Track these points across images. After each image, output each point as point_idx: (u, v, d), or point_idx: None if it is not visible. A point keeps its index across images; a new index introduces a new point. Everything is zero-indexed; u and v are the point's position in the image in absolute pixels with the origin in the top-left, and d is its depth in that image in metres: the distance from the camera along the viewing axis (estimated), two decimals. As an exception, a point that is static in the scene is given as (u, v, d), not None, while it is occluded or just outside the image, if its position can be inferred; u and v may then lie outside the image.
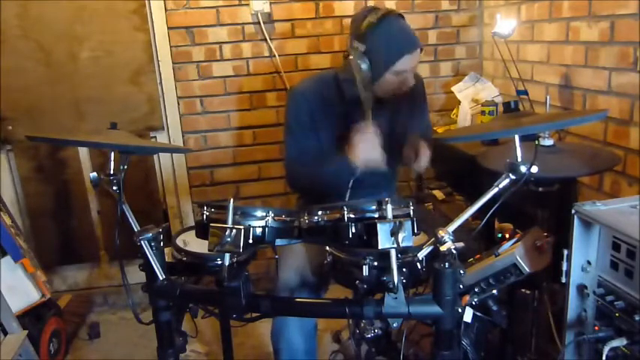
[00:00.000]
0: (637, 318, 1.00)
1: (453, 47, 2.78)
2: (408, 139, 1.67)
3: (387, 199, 1.02)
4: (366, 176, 1.75)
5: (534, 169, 1.04)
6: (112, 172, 1.24)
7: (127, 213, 1.25)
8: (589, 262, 1.12)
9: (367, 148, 1.52)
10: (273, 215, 1.11)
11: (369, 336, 1.23)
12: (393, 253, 1.00)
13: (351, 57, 1.57)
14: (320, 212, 1.09)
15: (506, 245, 1.28)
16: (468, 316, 1.25)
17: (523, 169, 1.04)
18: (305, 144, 1.72)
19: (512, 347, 1.53)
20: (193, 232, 1.33)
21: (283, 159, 1.80)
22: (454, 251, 1.00)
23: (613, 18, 1.73)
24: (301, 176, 1.73)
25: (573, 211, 1.09)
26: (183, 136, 2.68)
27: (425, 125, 1.89)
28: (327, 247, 1.27)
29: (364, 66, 1.55)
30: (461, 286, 1.07)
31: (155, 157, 2.69)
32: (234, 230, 1.04)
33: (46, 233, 2.67)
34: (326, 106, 1.70)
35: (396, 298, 1.04)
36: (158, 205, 2.75)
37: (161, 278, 1.23)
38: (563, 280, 1.15)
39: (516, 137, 1.06)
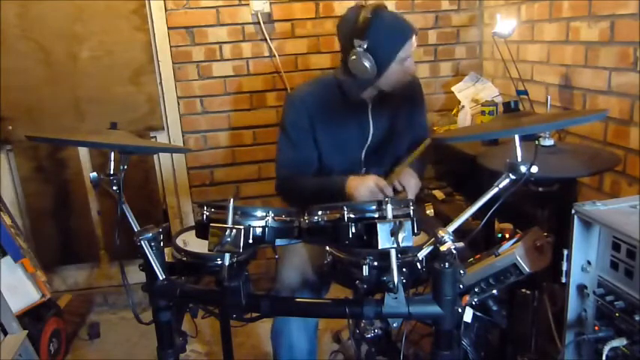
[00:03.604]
0: (637, 318, 1.00)
1: (453, 47, 2.78)
2: (394, 171, 1.68)
3: (387, 199, 1.02)
4: None
5: (534, 169, 1.04)
6: (112, 172, 1.24)
7: (127, 213, 1.25)
8: (589, 262, 1.12)
9: (365, 194, 1.52)
10: (273, 215, 1.11)
11: (369, 336, 1.23)
12: (393, 253, 1.00)
13: (353, 57, 1.57)
14: (320, 212, 1.09)
15: (506, 245, 1.28)
16: (468, 316, 1.25)
17: (523, 169, 1.04)
18: (303, 151, 1.71)
19: (512, 347, 1.53)
20: (193, 232, 1.32)
21: (275, 163, 1.78)
22: (454, 251, 1.00)
23: (613, 18, 1.73)
24: (296, 185, 1.71)
25: (573, 211, 1.09)
26: (183, 136, 2.68)
27: (422, 127, 1.90)
28: (327, 247, 1.27)
29: (368, 63, 1.55)
30: (461, 286, 1.07)
31: (155, 157, 2.69)
32: (234, 230, 1.04)
33: (46, 233, 2.67)
34: (326, 109, 1.69)
35: (396, 298, 1.04)
36: (158, 205, 2.75)
37: (161, 278, 1.23)
38: (563, 280, 1.15)
39: (516, 137, 1.06)
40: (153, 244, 1.22)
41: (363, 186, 1.53)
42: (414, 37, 1.60)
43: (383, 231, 0.97)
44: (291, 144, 1.72)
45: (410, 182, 1.63)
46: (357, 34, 1.55)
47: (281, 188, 1.78)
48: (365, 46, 1.54)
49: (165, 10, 2.51)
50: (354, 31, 1.55)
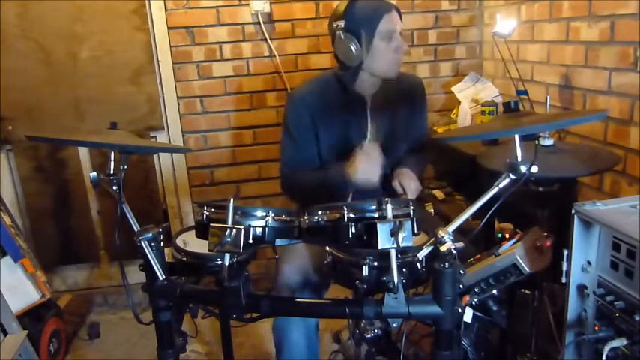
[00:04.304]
0: (637, 318, 1.00)
1: (453, 47, 2.78)
2: (395, 173, 1.68)
3: (387, 199, 1.02)
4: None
5: (534, 169, 1.04)
6: (112, 172, 1.24)
7: (127, 213, 1.25)
8: (589, 262, 1.12)
9: (368, 169, 1.52)
10: (273, 215, 1.11)
11: (369, 336, 1.23)
12: (393, 253, 1.00)
13: (336, 41, 1.60)
14: (320, 212, 1.09)
15: (506, 245, 1.27)
16: (468, 316, 1.24)
17: (523, 169, 1.04)
18: (305, 150, 1.72)
19: (512, 347, 1.53)
20: (193, 232, 1.32)
21: (279, 162, 1.79)
22: (454, 251, 1.00)
23: (613, 18, 1.73)
24: (298, 181, 1.72)
25: (573, 211, 1.09)
26: (183, 136, 2.68)
27: (423, 129, 1.90)
28: (327, 247, 1.27)
29: (350, 42, 1.57)
30: (461, 286, 1.07)
31: (155, 157, 2.69)
32: (234, 230, 1.04)
33: (46, 233, 2.67)
34: (326, 106, 1.70)
35: (396, 298, 1.03)
36: (158, 205, 2.75)
37: (161, 278, 1.23)
38: (563, 280, 1.15)
39: (516, 137, 1.06)
40: (153, 244, 1.22)
41: (365, 164, 1.52)
42: (394, 13, 1.61)
43: (383, 231, 0.97)
44: (293, 142, 1.73)
45: (410, 185, 1.64)
46: (337, 17, 1.60)
47: (285, 186, 1.80)
48: (343, 25, 1.57)
49: (165, 10, 2.51)
50: (335, 17, 1.61)
